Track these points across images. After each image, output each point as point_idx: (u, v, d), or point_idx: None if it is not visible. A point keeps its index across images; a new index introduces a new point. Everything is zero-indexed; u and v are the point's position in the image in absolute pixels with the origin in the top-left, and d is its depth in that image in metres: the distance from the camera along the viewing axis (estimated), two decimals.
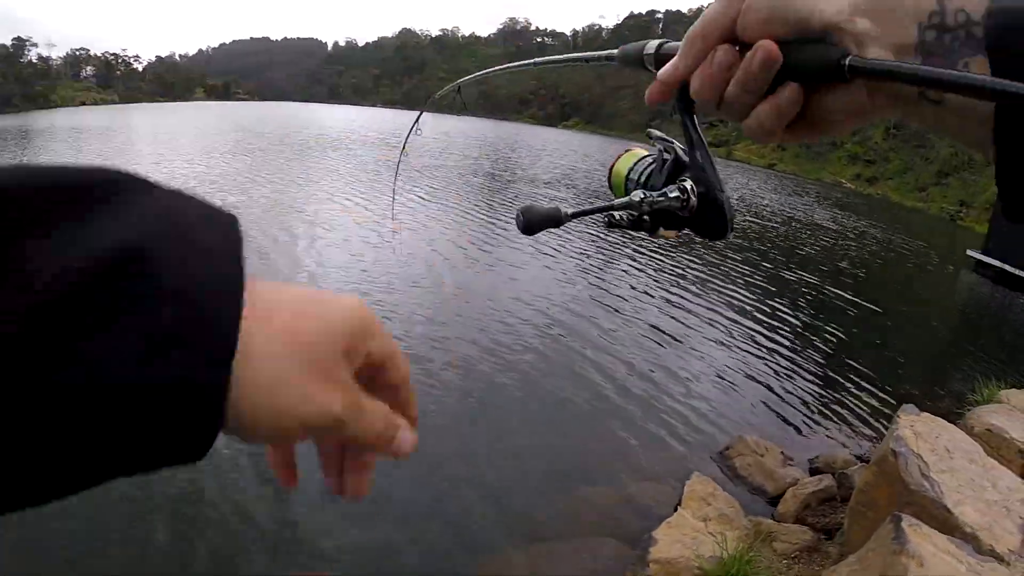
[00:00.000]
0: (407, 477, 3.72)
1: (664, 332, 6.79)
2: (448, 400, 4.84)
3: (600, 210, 0.58)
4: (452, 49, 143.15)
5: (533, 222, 0.57)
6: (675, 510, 3.41)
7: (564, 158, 31.76)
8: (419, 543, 3.34)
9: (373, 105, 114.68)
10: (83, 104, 77.44)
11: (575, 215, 0.58)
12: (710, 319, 7.55)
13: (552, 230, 0.58)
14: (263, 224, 10.24)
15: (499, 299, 7.26)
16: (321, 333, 0.29)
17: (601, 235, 11.14)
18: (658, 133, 0.60)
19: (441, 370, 5.27)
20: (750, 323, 7.61)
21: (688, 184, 0.54)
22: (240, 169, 17.91)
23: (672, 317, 7.41)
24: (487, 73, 1.01)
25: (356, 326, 0.31)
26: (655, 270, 9.68)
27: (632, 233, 0.59)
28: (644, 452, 4.30)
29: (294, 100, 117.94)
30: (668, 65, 0.44)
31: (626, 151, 0.66)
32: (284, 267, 7.98)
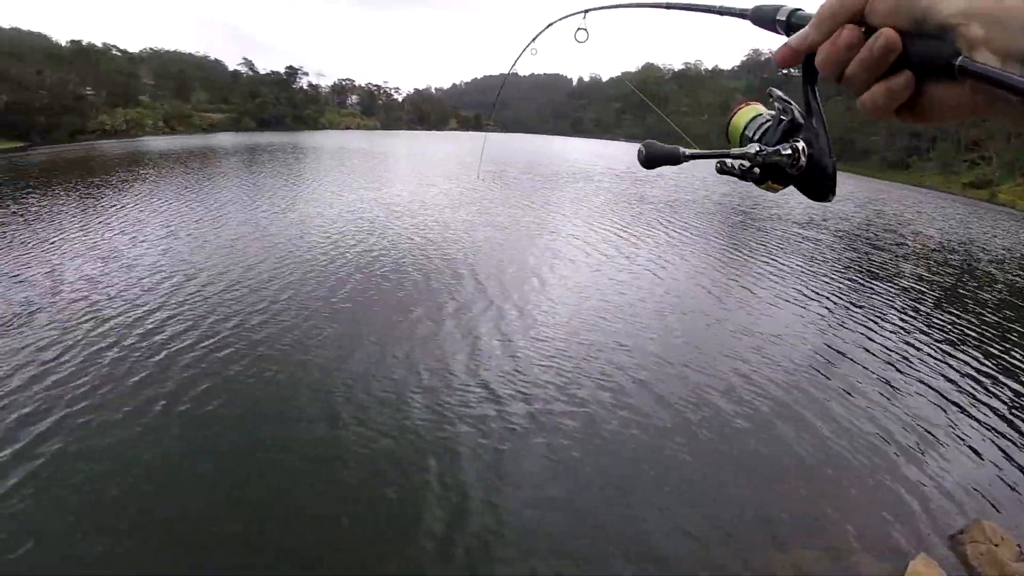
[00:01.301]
0: (612, 516, 3.79)
1: (915, 391, 6.15)
2: (674, 428, 4.84)
3: (718, 155, 0.64)
4: (694, 83, 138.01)
5: (653, 156, 0.64)
6: None
7: None
8: None
9: (615, 139, 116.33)
10: (348, 128, 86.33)
11: (693, 156, 0.64)
12: (974, 383, 6.68)
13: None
14: (511, 245, 11.16)
15: (739, 338, 7.07)
16: None
17: (859, 284, 10.88)
18: (779, 93, 0.64)
19: (670, 403, 5.27)
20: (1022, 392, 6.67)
21: (800, 145, 0.59)
22: (491, 194, 19.03)
23: (929, 374, 6.72)
24: (616, 6, 1.15)
25: None
26: (910, 320, 8.95)
27: (739, 180, 0.65)
28: (870, 520, 3.96)
29: (539, 132, 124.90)
30: (799, 33, 0.51)
31: (746, 104, 0.71)
32: (526, 285, 8.67)
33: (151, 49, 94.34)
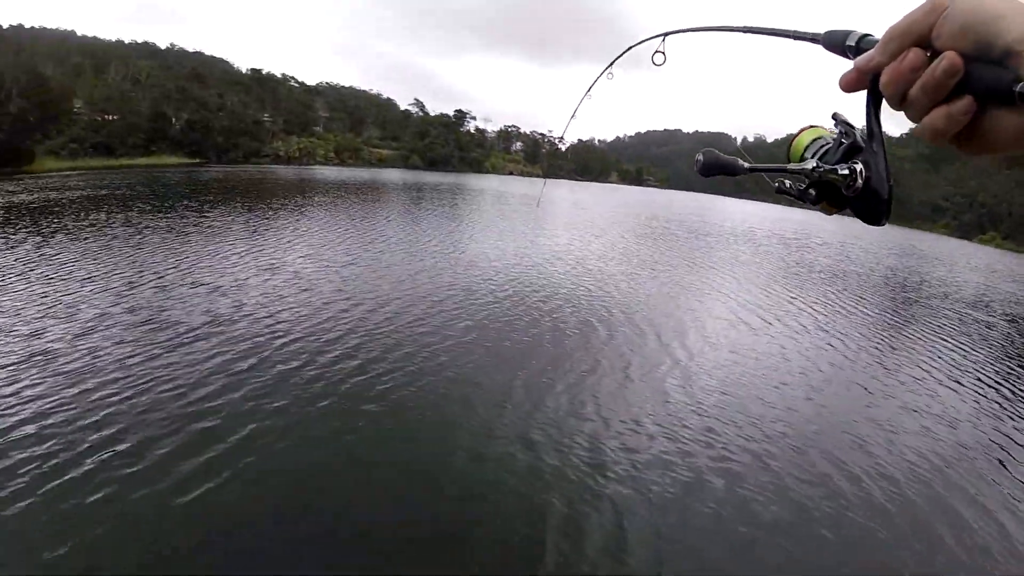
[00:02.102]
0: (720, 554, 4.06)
1: None
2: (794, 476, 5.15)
3: (776, 169, 0.65)
4: None
5: (711, 165, 0.64)
6: None
7: (978, 274, 28.72)
8: None
9: (777, 203, 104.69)
10: (511, 174, 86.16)
11: (753, 169, 0.65)
12: None
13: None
14: (657, 306, 11.25)
15: (897, 419, 6.99)
16: None
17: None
18: (843, 117, 0.64)
19: (789, 463, 5.48)
20: None
21: (858, 167, 0.59)
22: (648, 250, 19.31)
23: None
24: (693, 29, 1.19)
25: None
26: None
27: (797, 201, 0.68)
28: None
29: (699, 191, 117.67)
30: (865, 55, 0.50)
31: (810, 126, 0.71)
32: (662, 350, 8.61)
33: (327, 83, 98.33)
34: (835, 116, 0.65)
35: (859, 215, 0.60)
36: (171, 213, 17.51)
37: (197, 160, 47.09)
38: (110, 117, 44.51)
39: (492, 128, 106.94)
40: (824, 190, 0.64)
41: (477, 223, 22.48)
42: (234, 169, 41.60)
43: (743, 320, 11.20)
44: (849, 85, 0.53)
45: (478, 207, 29.91)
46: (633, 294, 12.47)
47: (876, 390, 8.16)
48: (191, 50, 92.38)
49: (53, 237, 12.98)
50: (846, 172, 0.60)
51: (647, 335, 9.47)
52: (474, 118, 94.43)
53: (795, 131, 0.72)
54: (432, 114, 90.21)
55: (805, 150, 0.68)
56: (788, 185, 0.68)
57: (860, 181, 0.59)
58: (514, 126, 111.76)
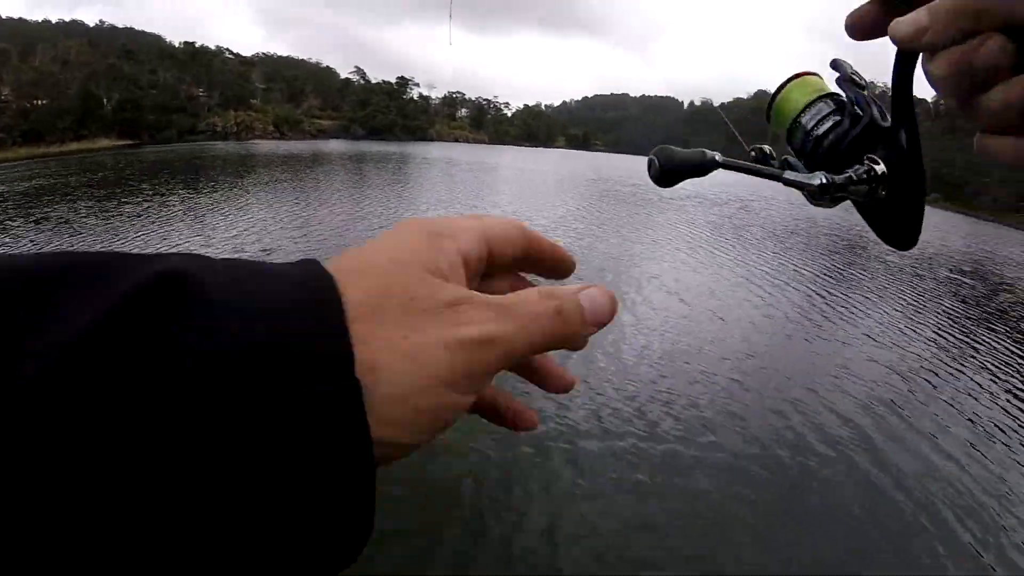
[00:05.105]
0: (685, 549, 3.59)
1: (1002, 440, 5.68)
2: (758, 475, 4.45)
3: (755, 172, 0.43)
4: None
5: (670, 169, 0.43)
6: None
7: (925, 233, 27.81)
8: None
9: None
10: (456, 140, 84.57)
11: (727, 166, 0.43)
12: None
13: None
14: (594, 268, 10.61)
15: (805, 379, 6.62)
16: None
17: (959, 326, 10.09)
18: (848, 67, 0.42)
19: (727, 452, 4.84)
20: None
21: (881, 168, 0.40)
22: (593, 215, 19.05)
23: (1018, 422, 6.13)
24: None
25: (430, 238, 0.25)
26: (1011, 362, 8.14)
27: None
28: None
29: (647, 155, 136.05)
30: (911, 20, 0.31)
31: (800, 75, 0.46)
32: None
33: (264, 54, 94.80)
34: (837, 65, 0.44)
35: (877, 230, 0.43)
36: (106, 203, 16.28)
37: (131, 141, 45.39)
38: (39, 102, 42.48)
39: (436, 95, 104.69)
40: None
41: (430, 194, 22.49)
42: (169, 148, 39.99)
43: (678, 281, 11.12)
44: (863, 29, 0.35)
45: (427, 176, 29.84)
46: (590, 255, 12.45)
47: (816, 345, 8.01)
48: (121, 26, 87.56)
49: None
50: (864, 185, 0.40)
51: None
52: (417, 84, 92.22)
53: (781, 82, 0.47)
54: (374, 82, 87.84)
55: (800, 114, 0.45)
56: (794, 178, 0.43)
57: (883, 192, 0.40)
58: (459, 92, 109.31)
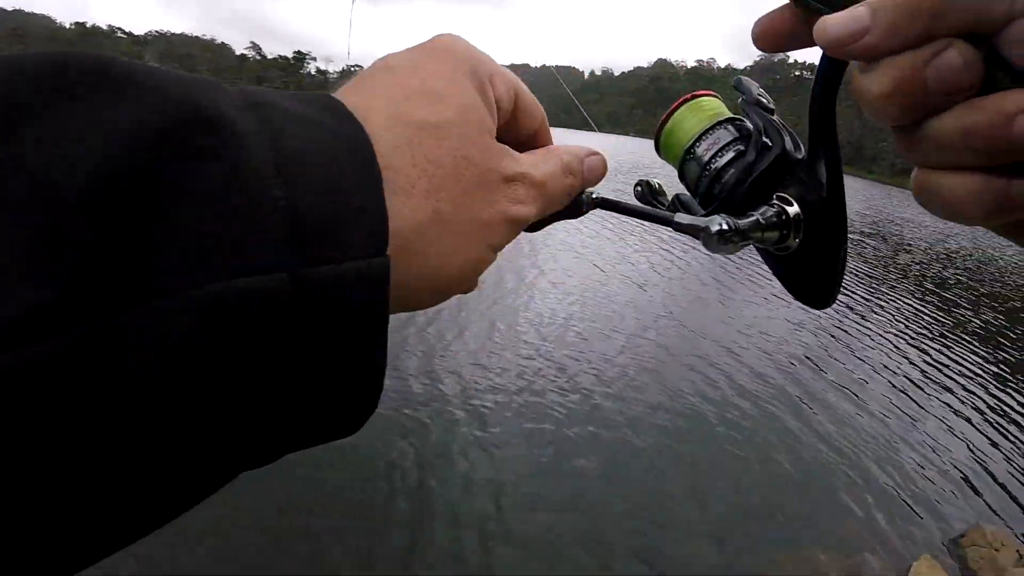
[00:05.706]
0: (602, 519, 3.53)
1: (911, 391, 5.99)
2: (655, 437, 4.49)
3: (639, 215, 0.34)
4: (707, 81, 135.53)
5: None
6: None
7: None
8: None
9: (627, 134, 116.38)
10: None
11: (604, 205, 0.34)
12: (974, 380, 6.49)
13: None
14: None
15: (720, 338, 6.70)
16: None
17: (866, 287, 10.14)
18: (755, 89, 0.34)
19: (650, 409, 4.92)
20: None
21: (794, 210, 0.31)
22: None
23: (924, 375, 6.50)
24: None
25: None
26: (914, 318, 8.37)
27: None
28: (871, 521, 3.94)
29: (551, 126, 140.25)
30: (846, 17, 0.22)
31: (699, 95, 0.37)
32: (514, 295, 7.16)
33: (157, 32, 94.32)
34: (740, 85, 0.35)
35: (789, 286, 0.33)
36: None
37: None
38: None
39: (335, 69, 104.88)
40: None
41: None
42: None
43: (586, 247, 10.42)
44: (776, 39, 0.27)
45: None
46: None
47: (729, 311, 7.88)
48: (9, 8, 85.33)
49: None
50: (774, 232, 0.31)
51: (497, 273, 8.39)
52: (314, 59, 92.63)
53: (671, 106, 0.37)
54: (270, 57, 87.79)
55: (695, 143, 0.36)
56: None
57: (796, 241, 0.31)
58: (357, 66, 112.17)
